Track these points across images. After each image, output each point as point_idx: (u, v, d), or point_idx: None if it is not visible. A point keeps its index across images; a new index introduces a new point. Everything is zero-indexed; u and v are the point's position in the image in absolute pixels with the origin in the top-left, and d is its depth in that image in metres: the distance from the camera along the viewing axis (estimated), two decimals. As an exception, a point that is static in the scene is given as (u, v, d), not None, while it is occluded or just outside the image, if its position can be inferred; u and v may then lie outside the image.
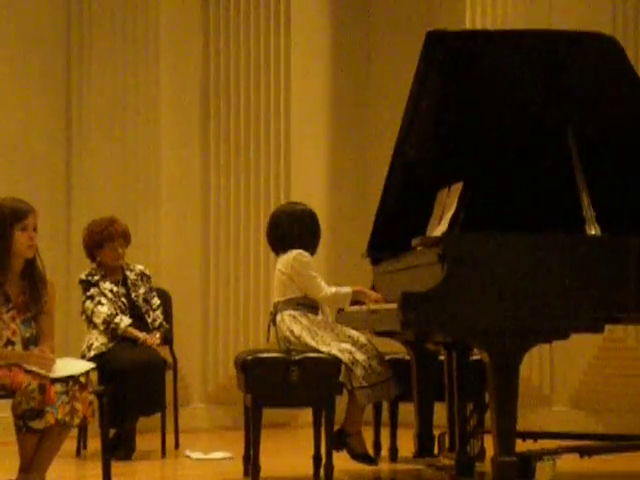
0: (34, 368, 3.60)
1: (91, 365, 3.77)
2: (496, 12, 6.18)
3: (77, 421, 3.56)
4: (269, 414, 4.56)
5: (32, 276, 3.75)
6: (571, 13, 6.01)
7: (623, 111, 4.04)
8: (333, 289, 4.53)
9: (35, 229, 3.75)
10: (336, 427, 4.49)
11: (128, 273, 5.41)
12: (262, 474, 4.33)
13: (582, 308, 3.67)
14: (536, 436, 4.32)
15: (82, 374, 3.62)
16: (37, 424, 3.52)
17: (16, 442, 3.65)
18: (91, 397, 3.61)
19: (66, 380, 3.58)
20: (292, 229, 4.59)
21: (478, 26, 6.14)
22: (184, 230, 6.32)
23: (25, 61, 5.98)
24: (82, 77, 6.06)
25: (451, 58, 3.98)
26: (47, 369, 3.60)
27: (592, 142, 3.99)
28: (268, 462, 4.48)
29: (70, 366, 3.66)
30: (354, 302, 4.57)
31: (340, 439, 4.58)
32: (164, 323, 5.44)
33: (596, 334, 3.81)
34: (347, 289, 4.54)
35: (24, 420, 3.53)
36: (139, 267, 5.48)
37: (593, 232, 3.75)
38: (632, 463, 4.70)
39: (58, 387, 3.55)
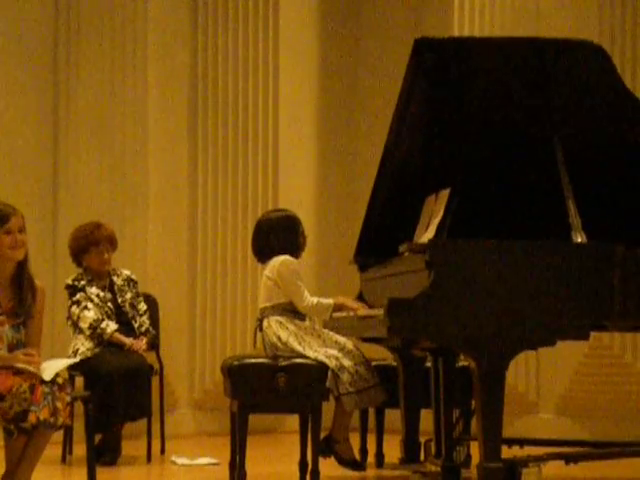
0: (23, 366, 3.59)
1: (75, 360, 3.75)
2: (484, 20, 6.20)
3: (61, 420, 3.56)
4: (255, 420, 4.56)
5: (21, 280, 3.73)
6: (558, 21, 6.04)
7: (609, 119, 4.06)
8: (315, 300, 4.54)
9: (23, 230, 3.73)
10: (323, 433, 4.50)
11: (115, 278, 5.40)
12: (248, 480, 4.33)
13: (568, 315, 3.68)
14: (522, 443, 4.33)
15: (61, 374, 3.61)
16: (27, 424, 3.52)
17: (4, 448, 3.64)
18: (68, 398, 3.61)
19: (51, 381, 3.58)
20: (269, 239, 4.63)
21: (466, 33, 6.16)
22: (171, 235, 6.31)
23: (11, 65, 5.96)
24: (69, 81, 6.05)
25: (439, 65, 3.99)
26: (34, 369, 3.59)
27: (579, 150, 4.01)
28: (254, 468, 4.48)
29: (55, 365, 3.65)
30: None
31: (328, 445, 4.59)
32: (150, 329, 5.42)
33: (582, 341, 3.83)
34: (329, 301, 4.55)
35: (16, 423, 3.52)
36: (126, 272, 5.47)
37: (579, 240, 3.76)
38: (617, 470, 4.72)
39: (45, 388, 3.56)
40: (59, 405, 3.55)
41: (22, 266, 3.73)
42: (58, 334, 5.69)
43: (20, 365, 3.59)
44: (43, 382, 3.56)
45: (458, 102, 4.09)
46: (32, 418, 3.49)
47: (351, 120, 6.85)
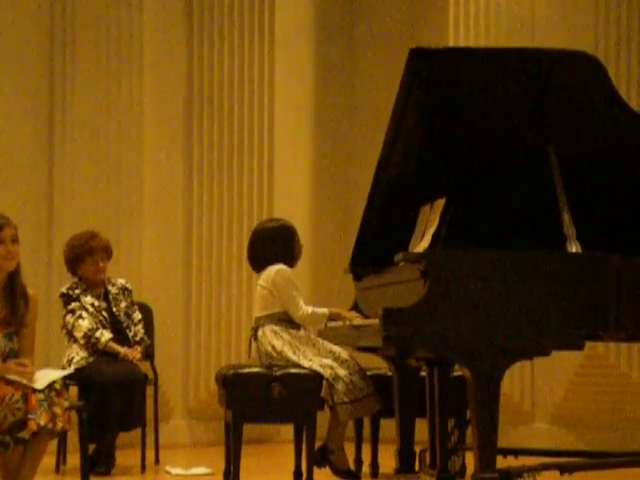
0: (15, 377, 3.58)
1: (69, 371, 3.75)
2: (479, 30, 6.22)
3: (60, 425, 3.55)
4: (250, 430, 4.55)
5: (14, 290, 3.73)
6: (553, 31, 6.06)
7: (604, 130, 4.07)
8: (310, 309, 4.55)
9: (15, 241, 3.73)
10: (318, 443, 4.49)
11: (109, 287, 5.39)
12: (243, 490, 4.32)
13: (563, 325, 3.68)
14: (517, 452, 4.32)
15: (58, 381, 3.61)
16: (23, 434, 3.51)
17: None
18: (66, 404, 3.60)
19: (48, 387, 3.58)
20: (264, 248, 4.64)
21: (461, 43, 6.17)
22: (166, 244, 6.31)
23: (6, 73, 5.96)
24: (65, 90, 6.05)
25: (434, 75, 4.00)
26: (27, 380, 3.59)
27: (573, 160, 4.01)
28: (248, 478, 4.47)
29: (49, 375, 3.65)
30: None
31: (323, 455, 4.58)
32: (145, 338, 5.42)
33: (577, 351, 3.83)
34: (324, 310, 4.56)
35: (12, 433, 3.51)
36: (121, 281, 5.46)
37: (574, 250, 3.76)
38: (612, 480, 4.71)
39: (39, 395, 3.56)
40: (57, 410, 3.56)
41: (14, 276, 3.73)
42: (53, 343, 5.69)
43: (12, 377, 3.59)
44: (36, 390, 3.55)
45: (453, 112, 4.09)
46: (32, 425, 3.49)
47: (346, 130, 6.85)
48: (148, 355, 5.45)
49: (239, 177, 6.39)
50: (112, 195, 6.09)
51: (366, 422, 4.99)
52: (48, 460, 4.85)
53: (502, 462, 3.88)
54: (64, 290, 5.32)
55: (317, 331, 4.72)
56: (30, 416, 3.50)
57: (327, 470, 4.64)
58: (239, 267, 6.28)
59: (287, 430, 5.63)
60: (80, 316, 5.24)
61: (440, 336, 3.61)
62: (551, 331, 3.67)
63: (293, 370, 4.42)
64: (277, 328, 4.56)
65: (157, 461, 5.46)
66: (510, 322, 3.65)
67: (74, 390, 5.06)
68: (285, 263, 4.64)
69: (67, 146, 6.05)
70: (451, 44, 6.19)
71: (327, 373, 4.45)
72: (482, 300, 3.64)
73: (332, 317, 4.55)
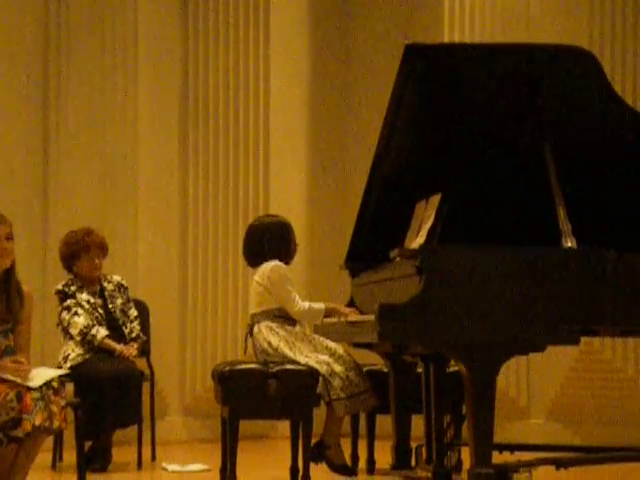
0: (9, 376, 3.58)
1: (65, 370, 3.75)
2: (474, 25, 6.22)
3: (57, 424, 3.55)
4: (246, 426, 4.55)
5: (9, 287, 3.73)
6: (548, 27, 6.06)
7: (599, 125, 4.07)
8: (307, 304, 4.55)
9: (10, 238, 3.73)
10: (315, 439, 4.50)
11: (105, 284, 5.39)
12: (239, 486, 4.32)
13: (558, 320, 3.68)
14: (513, 448, 4.33)
15: (55, 379, 3.61)
16: (17, 432, 3.50)
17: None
18: (63, 402, 3.60)
19: (45, 384, 3.58)
20: (261, 243, 4.64)
21: (456, 39, 6.17)
22: (162, 241, 6.31)
23: (2, 73, 5.95)
24: (59, 88, 6.04)
25: (429, 71, 4.00)
26: (22, 378, 3.58)
27: (569, 155, 4.02)
28: (245, 474, 4.48)
29: (44, 374, 3.65)
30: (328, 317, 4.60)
31: (319, 451, 4.59)
32: (141, 334, 5.41)
33: (572, 346, 3.83)
34: (320, 305, 4.56)
35: (5, 431, 3.50)
36: (116, 278, 5.46)
37: (569, 245, 3.77)
38: (608, 475, 4.72)
39: (34, 394, 3.55)
40: (54, 409, 3.55)
41: (9, 273, 3.73)
42: (48, 340, 5.68)
43: (7, 376, 3.58)
44: (31, 389, 3.55)
45: (448, 108, 4.09)
46: (27, 426, 3.48)
47: (342, 126, 6.85)
48: (144, 352, 5.45)
49: (235, 173, 6.39)
50: (107, 192, 6.09)
51: (362, 418, 5.00)
52: (44, 457, 4.86)
53: (498, 457, 3.88)
54: (59, 287, 5.32)
55: (313, 327, 4.72)
56: (25, 416, 3.49)
57: (323, 466, 4.64)
58: (235, 263, 6.28)
59: (283, 426, 5.64)
60: (76, 313, 5.24)
61: (436, 332, 3.62)
62: (547, 326, 3.68)
63: (289, 366, 4.42)
64: (273, 324, 4.57)
65: (153, 458, 5.46)
66: (506, 317, 3.65)
67: (70, 387, 5.06)
68: (281, 259, 4.64)
69: (62, 143, 6.04)
70: (446, 40, 6.19)
71: (323, 369, 4.45)
72: (477, 296, 3.64)
73: (328, 312, 4.55)
